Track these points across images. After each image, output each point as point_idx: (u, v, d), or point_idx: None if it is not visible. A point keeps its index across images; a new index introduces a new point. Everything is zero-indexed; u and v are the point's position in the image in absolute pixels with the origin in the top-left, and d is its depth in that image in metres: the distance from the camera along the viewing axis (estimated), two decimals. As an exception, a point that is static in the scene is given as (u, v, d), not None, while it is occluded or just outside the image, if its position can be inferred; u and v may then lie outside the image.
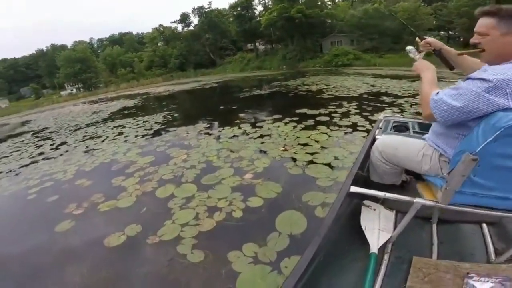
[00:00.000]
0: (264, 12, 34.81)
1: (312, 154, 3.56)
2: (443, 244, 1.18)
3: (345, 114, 5.52)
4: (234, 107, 8.33)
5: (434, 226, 1.27)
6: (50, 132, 8.93)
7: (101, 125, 8.49)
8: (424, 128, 1.71)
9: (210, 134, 5.24)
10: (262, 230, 2.12)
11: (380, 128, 1.87)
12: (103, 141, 6.11)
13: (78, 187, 3.53)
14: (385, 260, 1.09)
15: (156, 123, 7.35)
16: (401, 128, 1.84)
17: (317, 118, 5.39)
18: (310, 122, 5.18)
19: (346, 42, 30.60)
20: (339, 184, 2.68)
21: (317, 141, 4.00)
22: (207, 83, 21.16)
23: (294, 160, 3.44)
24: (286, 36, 33.73)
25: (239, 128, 5.38)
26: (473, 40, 0.97)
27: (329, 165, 3.21)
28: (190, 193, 2.92)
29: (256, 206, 2.50)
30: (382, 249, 1.12)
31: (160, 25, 50.14)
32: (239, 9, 37.38)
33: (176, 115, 8.42)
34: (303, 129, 4.79)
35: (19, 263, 2.20)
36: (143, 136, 5.98)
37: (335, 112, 5.79)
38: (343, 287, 1.01)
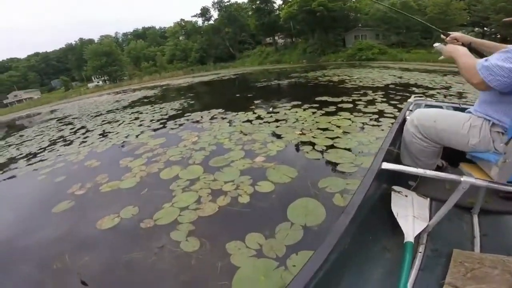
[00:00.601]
0: (283, 5, 34.01)
1: (332, 138, 3.19)
2: (487, 237, 1.03)
3: (371, 102, 5.03)
4: (250, 95, 8.03)
5: (476, 217, 1.11)
6: (73, 118, 9.37)
7: (121, 111, 8.65)
8: (460, 111, 1.50)
9: (223, 119, 4.99)
10: (271, 219, 1.83)
11: (411, 110, 1.70)
12: (120, 125, 6.17)
13: (87, 168, 3.50)
14: (420, 252, 0.96)
15: (172, 109, 7.30)
16: None
17: (339, 105, 4.95)
18: (331, 108, 4.76)
19: (371, 36, 29.12)
20: (364, 170, 2.31)
21: (338, 126, 3.61)
22: (226, 75, 21.09)
23: (312, 144, 3.08)
24: (306, 30, 32.79)
25: (254, 113, 5.08)
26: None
27: (352, 150, 2.83)
28: (196, 175, 2.68)
29: (266, 191, 2.20)
30: (417, 239, 0.99)
31: (182, 19, 50.83)
32: (258, 2, 36.86)
33: (192, 102, 8.31)
34: (323, 115, 4.39)
35: (7, 244, 2.11)
36: (158, 120, 5.95)
37: (359, 100, 5.31)
38: (372, 279, 0.86)
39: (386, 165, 0.96)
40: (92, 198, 2.60)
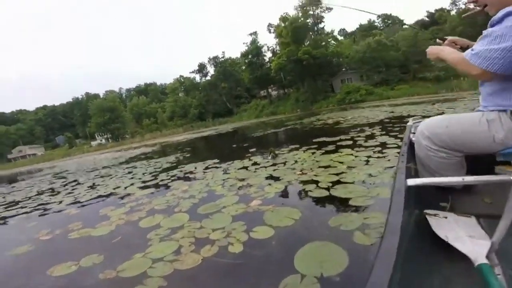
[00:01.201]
0: (273, 57, 36.85)
1: (337, 174, 2.86)
2: None
3: (370, 137, 4.86)
4: (246, 145, 7.93)
5: None
6: (68, 173, 9.37)
7: (116, 167, 8.53)
8: None
9: (218, 168, 4.71)
10: (272, 272, 1.40)
11: (413, 132, 1.63)
12: (111, 178, 6.00)
13: (63, 215, 3.37)
14: (498, 274, 0.77)
15: (167, 162, 7.14)
16: None
17: (338, 143, 4.75)
18: (331, 147, 4.54)
19: (356, 78, 31.17)
20: (382, 201, 1.96)
21: (341, 162, 3.32)
22: (224, 129, 21.67)
23: (316, 182, 2.74)
24: (296, 79, 34.99)
25: (250, 160, 4.82)
26: (469, 2, 1.01)
27: (362, 182, 2.48)
28: (180, 223, 2.30)
29: (264, 237, 1.78)
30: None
31: (181, 76, 54.53)
32: (250, 56, 40.03)
33: (188, 155, 8.17)
34: (323, 154, 4.13)
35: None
36: (150, 173, 5.72)
37: (358, 136, 5.15)
38: None
39: (412, 181, 0.85)
40: (56, 244, 2.37)
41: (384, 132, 5.07)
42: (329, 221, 1.82)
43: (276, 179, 3.18)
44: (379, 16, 29.26)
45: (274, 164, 4.02)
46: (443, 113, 6.46)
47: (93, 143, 50.05)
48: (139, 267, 1.65)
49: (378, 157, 3.29)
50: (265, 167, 3.96)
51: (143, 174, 5.77)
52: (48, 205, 4.15)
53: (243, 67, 44.24)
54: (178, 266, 1.59)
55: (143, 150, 15.41)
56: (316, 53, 29.85)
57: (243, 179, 3.43)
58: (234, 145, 8.83)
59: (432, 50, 1.08)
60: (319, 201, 2.28)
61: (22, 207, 4.37)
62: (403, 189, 0.85)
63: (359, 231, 1.60)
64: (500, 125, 0.91)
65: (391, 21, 40.42)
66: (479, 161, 1.11)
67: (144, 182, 4.73)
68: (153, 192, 3.77)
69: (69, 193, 4.97)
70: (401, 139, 3.86)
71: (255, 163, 4.39)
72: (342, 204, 2.09)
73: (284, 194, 2.62)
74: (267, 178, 3.30)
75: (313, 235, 1.68)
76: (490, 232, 0.85)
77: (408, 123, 1.85)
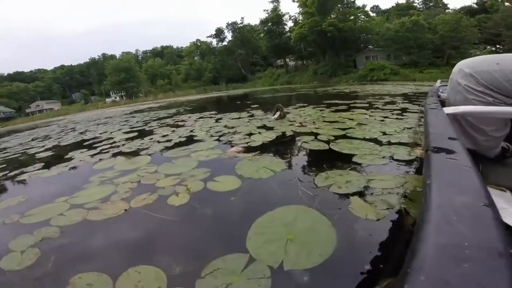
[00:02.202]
0: (294, 27, 34.89)
1: (344, 129, 2.30)
2: None
3: (390, 103, 4.17)
4: (250, 102, 7.34)
5: None
6: (73, 123, 9.23)
7: (117, 118, 8.29)
8: None
9: (212, 118, 4.22)
10: (207, 242, 0.95)
11: (441, 92, 1.48)
12: (105, 125, 5.74)
13: (31, 157, 3.12)
14: None
15: (165, 113, 6.78)
16: None
17: (352, 105, 4.11)
18: (343, 107, 3.92)
19: (382, 57, 29.00)
20: (396, 163, 1.45)
21: (351, 119, 2.74)
22: (235, 93, 21.00)
23: (315, 135, 2.19)
24: (317, 51, 33.17)
25: (248, 113, 4.29)
26: None
27: (374, 140, 1.92)
28: (136, 166, 1.89)
29: (223, 190, 1.32)
30: None
31: (197, 40, 53.00)
32: (269, 24, 37.98)
33: (189, 109, 7.72)
34: (332, 111, 3.54)
35: None
36: (144, 121, 5.42)
37: (376, 102, 4.45)
38: None
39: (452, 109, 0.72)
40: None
41: (406, 101, 4.36)
42: (317, 178, 1.31)
43: (269, 129, 2.66)
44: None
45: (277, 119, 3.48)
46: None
47: (108, 100, 51.35)
48: (48, 213, 1.26)
49: (397, 118, 2.69)
50: (261, 119, 3.43)
51: (137, 122, 5.47)
52: (31, 149, 3.85)
53: (262, 35, 42.04)
54: (91, 216, 1.20)
55: (151, 105, 15.19)
56: (343, 26, 27.51)
57: (232, 127, 2.95)
58: (239, 102, 8.27)
59: None
60: (313, 154, 1.76)
61: (5, 152, 4.02)
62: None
63: (359, 198, 1.10)
64: None
65: (433, 4, 36.69)
66: None
67: (132, 128, 4.40)
68: (134, 136, 3.39)
69: (58, 138, 4.73)
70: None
71: (252, 116, 3.88)
72: (343, 160, 1.56)
73: (273, 144, 2.11)
74: (259, 127, 2.79)
75: (293, 195, 1.18)
76: None
77: (436, 84, 1.72)
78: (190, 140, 2.58)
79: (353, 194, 1.13)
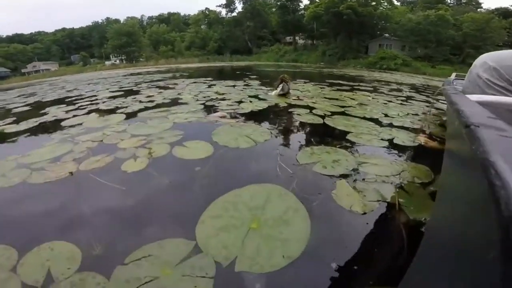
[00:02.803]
0: (309, 5, 33.40)
1: (343, 107, 2.09)
2: None
3: (396, 90, 3.90)
4: (249, 73, 6.97)
5: None
6: (66, 83, 8.71)
7: (111, 79, 7.87)
8: None
9: (205, 83, 3.94)
10: (151, 220, 0.78)
11: (454, 85, 1.34)
12: (95, 85, 5.41)
13: (9, 113, 2.81)
14: None
15: (161, 77, 6.44)
16: None
17: (356, 87, 3.83)
18: (346, 87, 3.64)
19: (397, 46, 28.07)
20: (395, 147, 1.28)
21: (352, 99, 2.50)
22: (238, 64, 20.29)
23: (311, 109, 1.98)
24: (330, 33, 32.02)
25: (244, 82, 4.00)
26: None
27: (374, 121, 1.72)
28: (106, 124, 1.71)
29: (189, 158, 1.13)
30: None
31: (206, 8, 50.78)
32: None
33: (186, 74, 7.34)
34: (334, 90, 3.28)
35: None
36: (134, 83, 5.10)
37: (381, 87, 4.17)
38: None
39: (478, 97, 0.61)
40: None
41: (413, 91, 4.09)
42: (300, 154, 1.12)
43: (262, 99, 2.42)
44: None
45: (271, 89, 3.22)
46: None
47: (107, 62, 50.10)
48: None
49: (401, 104, 2.47)
50: (256, 88, 3.18)
51: (128, 83, 5.16)
52: (11, 104, 3.58)
53: (274, 9, 40.17)
54: (33, 178, 1.03)
55: (150, 70, 14.62)
56: (362, 10, 26.39)
57: (223, 94, 2.70)
58: (238, 72, 7.92)
59: None
60: (303, 128, 1.56)
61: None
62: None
63: (347, 183, 0.91)
64: None
65: (466, 0, 34.93)
66: None
67: (120, 88, 4.11)
68: (118, 95, 3.14)
69: (43, 95, 4.40)
70: (437, 100, 2.97)
71: (247, 85, 3.62)
72: (335, 137, 1.37)
73: (262, 113, 1.90)
74: (251, 96, 2.55)
75: (269, 172, 0.99)
76: None
77: (450, 77, 1.60)
78: (174, 102, 2.35)
79: (340, 177, 0.95)
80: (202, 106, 2.07)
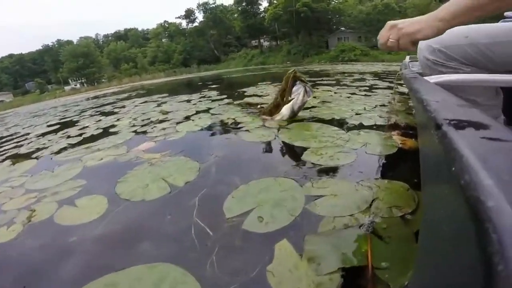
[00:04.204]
0: (268, 7, 34.48)
1: (304, 109, 1.79)
2: None
3: (359, 80, 3.76)
4: (211, 83, 6.65)
5: None
6: (13, 116, 7.83)
7: (61, 107, 7.21)
8: None
9: (157, 101, 3.55)
10: None
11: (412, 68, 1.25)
12: (40, 117, 4.87)
13: None
14: None
15: (115, 99, 5.95)
16: None
17: (318, 82, 3.64)
18: (310, 82, 3.41)
19: (354, 38, 29.88)
20: (365, 160, 0.97)
21: (314, 97, 2.22)
22: (206, 74, 20.02)
23: (265, 119, 1.66)
24: (291, 32, 33.30)
25: (201, 93, 3.65)
26: None
27: (339, 122, 1.44)
28: (8, 175, 1.33)
29: (73, 224, 0.81)
30: None
31: (165, 21, 50.04)
32: (244, 4, 36.93)
33: (142, 92, 6.83)
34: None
35: None
36: (82, 110, 4.58)
37: (344, 79, 4.03)
38: None
39: (436, 78, 0.61)
40: None
41: (376, 78, 3.99)
42: (231, 201, 0.79)
43: (215, 114, 2.06)
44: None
45: (224, 98, 2.88)
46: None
47: (67, 88, 47.64)
48: None
49: (365, 95, 2.25)
50: (212, 99, 2.84)
51: (75, 111, 4.63)
52: None
53: (235, 15, 40.75)
54: None
55: (112, 91, 13.84)
56: (316, 6, 27.73)
57: (168, 112, 2.33)
58: (200, 83, 7.58)
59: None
60: (247, 152, 1.22)
61: None
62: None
63: (290, 243, 0.60)
64: None
65: None
66: None
67: (62, 119, 3.59)
68: (50, 131, 2.59)
69: None
70: (399, 85, 2.83)
71: (204, 97, 3.27)
72: (287, 160, 1.06)
73: (200, 135, 1.54)
74: (199, 112, 2.19)
75: (176, 237, 0.67)
76: None
77: (404, 60, 1.55)
78: (105, 132, 1.94)
79: (282, 233, 0.63)
80: (133, 135, 1.68)
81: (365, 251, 0.56)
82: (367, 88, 2.73)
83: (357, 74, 5.05)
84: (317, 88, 2.85)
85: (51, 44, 60.75)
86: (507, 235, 0.12)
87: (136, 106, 3.38)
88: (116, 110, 3.34)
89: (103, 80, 44.75)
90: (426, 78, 0.66)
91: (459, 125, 0.24)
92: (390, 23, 0.63)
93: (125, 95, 6.73)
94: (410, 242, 0.58)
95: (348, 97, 2.18)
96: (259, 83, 4.34)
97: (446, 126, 0.25)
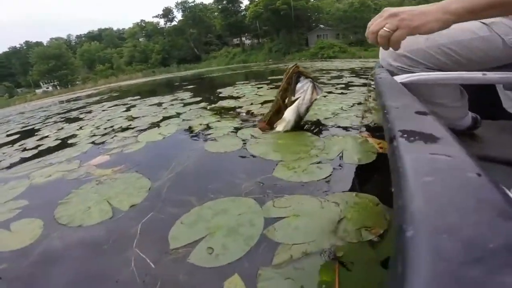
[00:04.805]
0: (249, 5, 34.45)
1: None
2: None
3: (336, 77, 3.77)
4: (187, 84, 6.46)
5: None
6: None
7: (29, 113, 6.77)
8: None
9: (126, 104, 3.35)
10: None
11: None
12: (1, 125, 4.34)
13: None
14: None
15: (84, 102, 5.65)
16: None
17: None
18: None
19: (332, 35, 30.70)
20: (338, 175, 0.88)
21: None
22: (186, 74, 19.58)
23: (237, 128, 1.54)
24: (272, 30, 33.66)
25: (174, 95, 3.49)
26: None
27: (315, 126, 1.37)
28: None
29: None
30: None
31: (142, 20, 48.32)
32: (224, 2, 36.51)
33: (115, 95, 6.51)
34: (272, 88, 2.97)
35: None
36: (47, 116, 4.31)
37: (322, 77, 4.03)
38: None
39: (403, 78, 0.64)
40: None
41: (353, 75, 4.01)
42: (177, 229, 0.68)
43: (186, 120, 1.92)
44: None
45: (197, 102, 2.75)
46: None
47: (38, 91, 45.11)
48: None
49: (342, 94, 2.22)
50: (184, 104, 2.68)
51: (40, 117, 4.34)
52: None
53: (216, 13, 40.17)
54: None
55: (83, 93, 13.16)
56: (296, 4, 28.30)
57: (134, 119, 2.17)
58: (177, 83, 7.36)
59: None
60: (207, 167, 1.11)
61: None
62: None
63: (242, 280, 0.52)
64: (506, 27, 0.59)
65: None
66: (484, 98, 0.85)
67: (23, 127, 3.33)
68: (6, 142, 2.39)
69: None
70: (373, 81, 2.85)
71: (176, 99, 3.11)
72: (251, 177, 0.96)
73: (159, 146, 1.41)
74: (167, 118, 2.04)
75: (110, 274, 0.56)
76: None
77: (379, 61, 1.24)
78: (63, 144, 1.77)
79: (233, 266, 0.54)
80: (90, 146, 1.53)
81: (330, 282, 0.49)
82: (344, 86, 2.71)
83: (335, 72, 5.08)
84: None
85: (19, 46, 57.08)
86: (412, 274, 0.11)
87: (103, 110, 3.16)
88: (81, 116, 3.11)
89: (77, 82, 42.61)
90: (395, 78, 0.64)
91: (410, 138, 0.25)
92: (389, 10, 0.54)
93: (97, 98, 6.39)
94: (374, 271, 0.51)
95: (325, 96, 2.13)
96: (236, 83, 4.23)
97: (397, 139, 0.25)
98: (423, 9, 0.49)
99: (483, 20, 0.63)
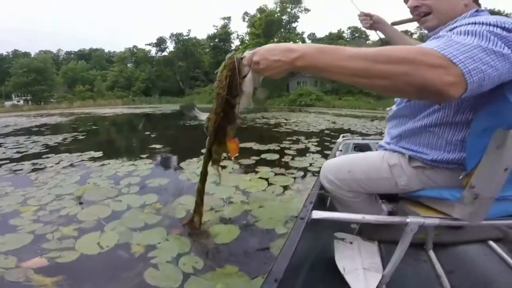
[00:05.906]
0: (240, 46, 36.34)
1: (225, 223, 1.75)
2: (453, 274, 0.86)
3: (301, 152, 4.02)
4: (155, 135, 6.52)
5: (432, 253, 0.96)
6: None
7: None
8: None
9: (84, 166, 3.27)
10: None
11: (340, 150, 1.56)
12: None
13: None
14: None
15: (45, 142, 5.41)
16: (362, 150, 1.49)
17: (263, 156, 3.77)
18: (252, 160, 3.50)
19: (311, 82, 33.06)
20: None
21: (245, 201, 2.17)
22: (167, 108, 19.69)
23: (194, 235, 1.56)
24: None
25: (134, 164, 3.35)
26: (412, 4, 0.73)
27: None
28: None
29: None
30: None
31: (134, 46, 48.91)
32: (216, 40, 38.21)
33: (80, 138, 6.13)
34: (234, 172, 3.01)
35: None
36: None
37: (289, 148, 4.29)
38: None
39: (317, 214, 0.77)
40: None
41: (319, 148, 4.32)
42: None
43: (130, 229, 1.80)
44: (348, 28, 31.34)
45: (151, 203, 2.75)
46: (381, 132, 6.12)
47: (8, 103, 42.37)
48: None
49: (298, 190, 2.35)
50: (141, 187, 2.54)
51: None
52: None
53: (207, 50, 41.87)
54: None
55: (52, 119, 12.40)
56: None
57: (81, 204, 2.07)
58: (148, 132, 7.32)
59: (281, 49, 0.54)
60: None
61: None
62: (305, 221, 0.78)
63: None
64: (401, 170, 0.80)
65: (358, 34, 42.84)
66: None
67: None
68: None
69: None
70: None
71: (136, 172, 3.02)
72: None
73: (89, 267, 1.31)
74: (114, 214, 1.94)
75: None
76: (387, 258, 0.82)
77: (338, 140, 1.67)
78: (4, 223, 1.64)
79: None
80: (31, 237, 1.44)
81: None
82: (302, 173, 2.90)
83: (304, 137, 5.42)
84: (255, 172, 2.90)
85: (6, 53, 54.43)
86: None
87: (57, 173, 2.97)
88: (32, 175, 2.91)
89: (51, 100, 40.50)
90: (312, 213, 0.76)
91: None
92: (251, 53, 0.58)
93: (60, 138, 5.99)
94: None
95: (283, 193, 2.25)
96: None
97: None
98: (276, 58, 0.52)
99: (388, 162, 0.82)
